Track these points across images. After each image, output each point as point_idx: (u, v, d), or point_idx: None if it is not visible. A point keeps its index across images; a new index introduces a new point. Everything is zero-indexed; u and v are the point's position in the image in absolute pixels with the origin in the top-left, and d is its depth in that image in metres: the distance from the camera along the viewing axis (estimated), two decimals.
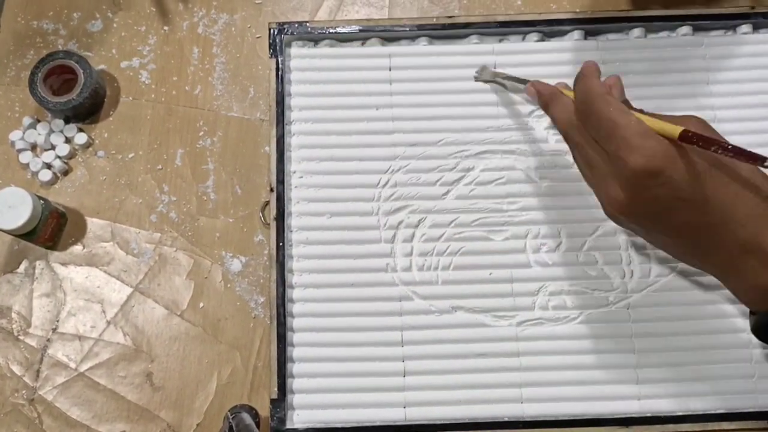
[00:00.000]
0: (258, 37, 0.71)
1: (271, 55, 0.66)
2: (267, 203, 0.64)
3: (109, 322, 0.65)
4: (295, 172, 0.64)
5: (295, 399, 0.60)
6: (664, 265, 0.62)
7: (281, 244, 0.62)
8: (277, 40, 0.66)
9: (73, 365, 0.64)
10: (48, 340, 0.64)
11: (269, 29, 0.67)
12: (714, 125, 0.64)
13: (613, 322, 0.61)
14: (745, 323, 0.60)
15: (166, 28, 0.72)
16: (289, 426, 0.59)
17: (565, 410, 0.59)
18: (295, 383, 0.60)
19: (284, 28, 0.67)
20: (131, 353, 0.64)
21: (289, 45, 0.67)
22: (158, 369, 0.63)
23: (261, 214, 0.66)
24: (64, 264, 0.66)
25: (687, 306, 0.61)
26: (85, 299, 0.65)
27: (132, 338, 0.64)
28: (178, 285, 0.65)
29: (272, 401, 0.59)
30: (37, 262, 0.66)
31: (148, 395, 0.63)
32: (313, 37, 0.67)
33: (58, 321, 0.65)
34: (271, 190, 0.63)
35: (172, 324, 0.64)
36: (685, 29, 0.67)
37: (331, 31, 0.67)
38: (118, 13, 0.72)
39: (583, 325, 0.61)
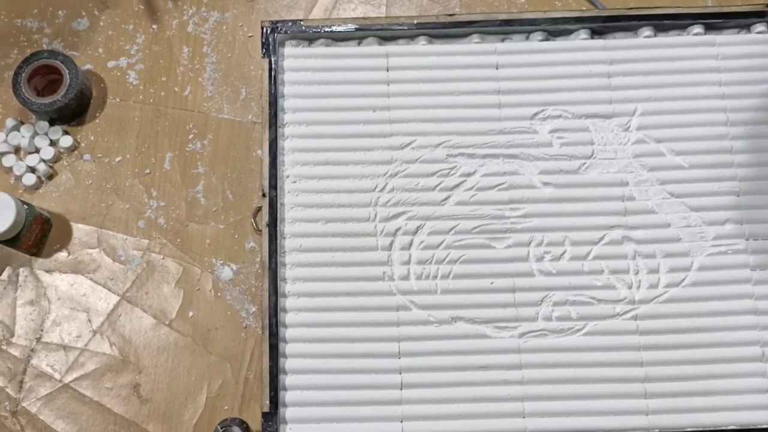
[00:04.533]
0: (250, 36, 0.70)
1: (264, 54, 0.65)
2: (259, 209, 0.63)
3: (95, 332, 0.63)
4: (288, 177, 0.63)
5: (288, 412, 0.58)
6: (673, 274, 0.60)
7: (274, 251, 0.60)
8: (270, 40, 0.65)
9: (57, 376, 0.63)
10: (32, 350, 0.63)
11: (262, 28, 0.65)
12: (726, 129, 0.63)
13: (620, 334, 0.59)
14: (758, 336, 0.59)
15: (154, 26, 0.70)
16: None
17: (569, 425, 0.58)
18: (287, 396, 0.59)
19: (277, 27, 0.65)
20: (118, 364, 0.63)
21: (282, 44, 0.66)
22: (146, 380, 0.62)
23: (253, 220, 0.65)
24: (48, 271, 0.65)
25: (697, 317, 0.60)
26: (70, 308, 0.64)
27: (119, 348, 0.63)
28: (166, 293, 0.64)
29: (264, 415, 0.58)
30: (21, 270, 0.65)
31: (135, 408, 0.62)
32: (308, 36, 0.66)
33: (42, 330, 0.63)
34: (264, 195, 0.62)
35: (161, 334, 0.63)
36: (697, 28, 0.66)
37: (326, 29, 0.65)
38: (105, 11, 0.71)
39: (589, 336, 0.59)
